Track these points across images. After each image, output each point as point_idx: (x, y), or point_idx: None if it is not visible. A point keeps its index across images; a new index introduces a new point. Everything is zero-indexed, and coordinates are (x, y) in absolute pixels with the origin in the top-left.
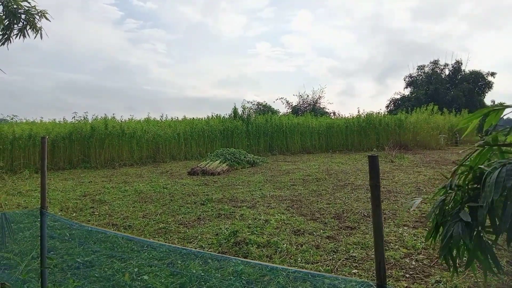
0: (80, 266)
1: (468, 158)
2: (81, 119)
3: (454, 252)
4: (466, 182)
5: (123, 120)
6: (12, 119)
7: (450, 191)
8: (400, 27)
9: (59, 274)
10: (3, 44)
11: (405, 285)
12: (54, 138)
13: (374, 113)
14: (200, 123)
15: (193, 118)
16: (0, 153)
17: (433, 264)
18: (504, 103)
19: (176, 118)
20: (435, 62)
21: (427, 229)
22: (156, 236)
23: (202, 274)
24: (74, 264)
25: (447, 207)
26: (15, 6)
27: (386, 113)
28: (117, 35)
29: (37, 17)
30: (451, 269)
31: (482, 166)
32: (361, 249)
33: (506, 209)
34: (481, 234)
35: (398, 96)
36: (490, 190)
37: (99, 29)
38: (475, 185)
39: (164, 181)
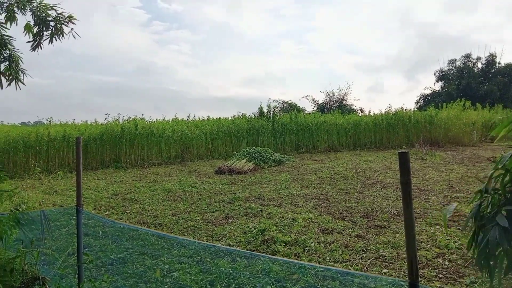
0: (114, 262)
1: (505, 161)
2: (112, 120)
3: (492, 261)
4: (504, 184)
5: (151, 121)
6: (49, 122)
7: (486, 195)
8: (431, 20)
9: (94, 270)
10: (34, 49)
11: (438, 285)
12: (87, 139)
13: (403, 109)
14: (226, 122)
15: (219, 117)
16: (36, 154)
17: (467, 264)
18: None
19: (203, 118)
20: (467, 56)
21: (460, 228)
22: (185, 234)
23: (231, 271)
24: (108, 261)
25: (483, 212)
26: (43, 14)
27: (416, 109)
28: (144, 37)
29: (65, 23)
30: (488, 277)
31: None
32: (391, 248)
33: None
34: None
35: (428, 92)
36: None
37: (127, 32)
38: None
39: (192, 180)
